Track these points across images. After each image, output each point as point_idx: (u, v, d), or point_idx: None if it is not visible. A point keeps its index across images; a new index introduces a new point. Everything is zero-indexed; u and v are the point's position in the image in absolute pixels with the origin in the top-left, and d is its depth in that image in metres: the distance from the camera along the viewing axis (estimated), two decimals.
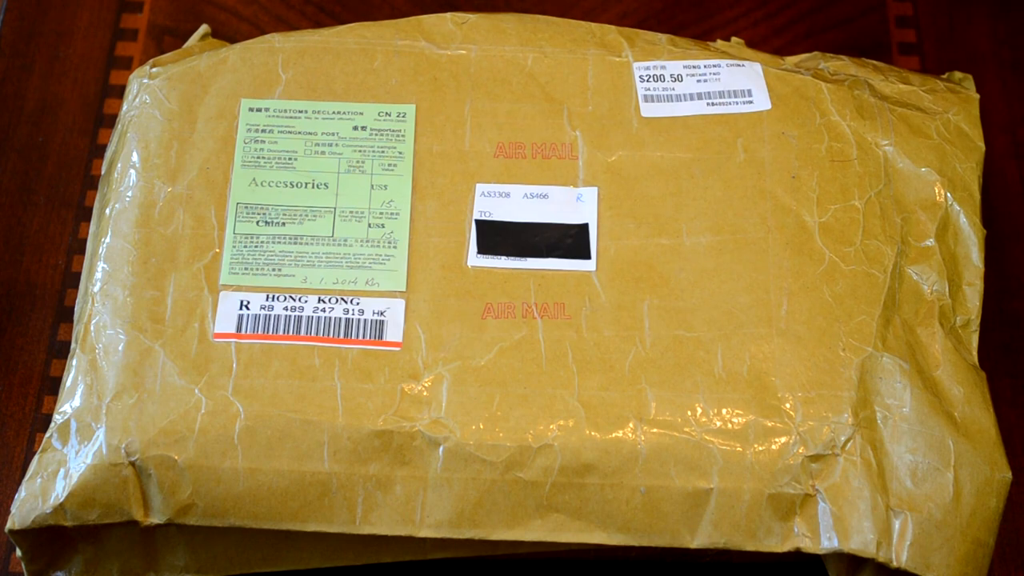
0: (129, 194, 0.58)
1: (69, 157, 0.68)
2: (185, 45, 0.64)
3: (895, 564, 0.50)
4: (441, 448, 0.52)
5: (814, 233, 0.56)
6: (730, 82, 0.60)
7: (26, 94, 0.70)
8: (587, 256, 0.56)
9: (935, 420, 0.52)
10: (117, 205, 0.58)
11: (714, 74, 0.60)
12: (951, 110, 0.59)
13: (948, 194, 0.57)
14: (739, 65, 0.60)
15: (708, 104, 0.59)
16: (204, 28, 0.65)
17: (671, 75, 0.60)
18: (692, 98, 0.59)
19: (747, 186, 0.57)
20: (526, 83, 0.60)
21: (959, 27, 0.72)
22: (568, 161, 0.58)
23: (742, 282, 0.55)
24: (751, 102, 0.59)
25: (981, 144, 0.58)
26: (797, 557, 0.54)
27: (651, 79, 0.60)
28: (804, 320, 0.54)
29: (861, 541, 0.50)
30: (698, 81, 0.60)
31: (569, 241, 0.56)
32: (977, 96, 0.61)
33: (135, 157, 0.59)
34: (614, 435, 0.52)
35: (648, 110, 0.59)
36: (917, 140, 0.58)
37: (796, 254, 0.55)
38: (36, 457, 0.52)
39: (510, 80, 0.60)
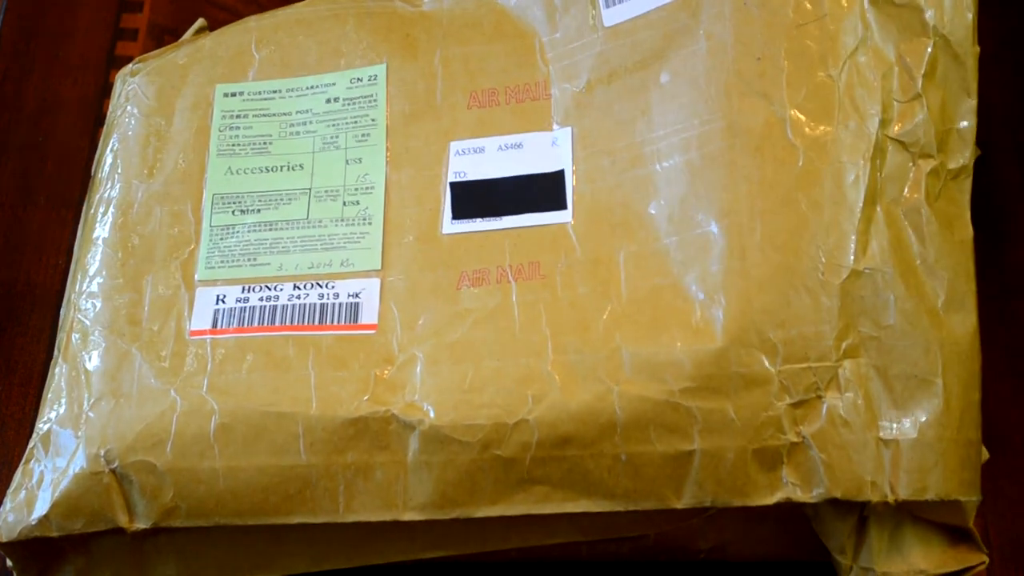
0: (109, 196, 0.58)
1: (69, 157, 0.69)
2: (178, 41, 0.63)
3: (891, 498, 0.47)
4: (416, 431, 0.50)
5: (788, 125, 0.51)
6: None
7: (26, 94, 0.71)
8: (563, 206, 0.54)
9: (920, 325, 0.48)
10: (99, 208, 0.58)
11: None
12: None
13: (936, 18, 0.50)
14: None
15: None
16: (200, 22, 0.64)
17: None
18: None
19: (712, 82, 0.52)
20: (498, 20, 0.58)
21: None
22: (542, 102, 0.56)
23: (714, 208, 0.51)
24: None
25: None
26: (794, 555, 0.52)
27: None
28: (779, 244, 0.50)
29: (854, 484, 0.48)
30: None
31: (545, 192, 0.54)
32: None
33: (115, 158, 0.59)
34: (590, 405, 0.49)
35: (610, 17, 0.55)
36: None
37: (767, 161, 0.51)
38: (20, 468, 0.53)
39: (481, 22, 0.58)
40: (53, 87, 0.71)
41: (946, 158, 0.49)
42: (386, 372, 0.52)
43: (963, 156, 0.50)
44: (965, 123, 0.50)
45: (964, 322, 0.48)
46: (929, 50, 0.50)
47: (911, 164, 0.49)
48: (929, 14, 0.50)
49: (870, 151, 0.50)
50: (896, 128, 0.50)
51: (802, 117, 0.51)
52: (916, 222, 0.49)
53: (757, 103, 0.51)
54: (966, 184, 0.50)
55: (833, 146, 0.50)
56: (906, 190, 0.49)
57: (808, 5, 0.52)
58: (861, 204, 0.49)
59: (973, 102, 0.50)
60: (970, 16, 0.50)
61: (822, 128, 0.50)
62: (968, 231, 0.49)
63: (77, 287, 0.56)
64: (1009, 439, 0.57)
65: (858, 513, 0.49)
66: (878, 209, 0.49)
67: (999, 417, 0.50)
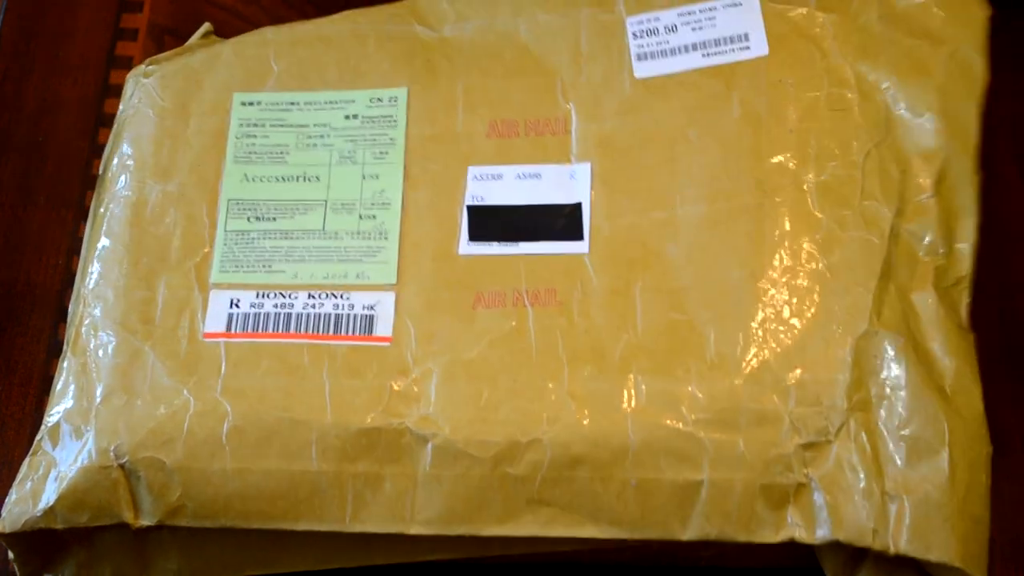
0: (122, 194, 0.58)
1: (69, 157, 0.68)
2: (187, 44, 0.64)
3: (893, 550, 0.48)
4: (429, 445, 0.51)
5: (811, 196, 0.53)
6: (726, 27, 0.57)
7: (26, 94, 0.70)
8: (580, 237, 0.55)
9: (929, 397, 0.50)
10: (110, 205, 0.58)
11: (710, 20, 0.57)
12: (960, 35, 0.55)
13: (948, 142, 0.53)
14: (736, 4, 0.58)
15: (703, 55, 0.57)
16: (206, 26, 0.65)
17: (665, 27, 0.58)
18: (687, 50, 0.57)
19: (742, 146, 0.55)
20: (519, 56, 0.59)
21: None
22: (561, 136, 0.57)
23: (736, 256, 0.53)
24: (748, 48, 0.57)
25: (983, 74, 0.55)
26: (795, 562, 0.52)
27: (644, 34, 0.58)
28: (799, 297, 0.52)
29: (856, 530, 0.49)
30: (693, 30, 0.57)
31: (562, 222, 0.55)
32: (985, 16, 0.56)
33: (128, 157, 0.59)
34: (604, 428, 0.51)
35: (641, 70, 0.57)
36: (920, 81, 0.54)
37: (792, 222, 0.53)
38: (27, 460, 0.52)
39: (503, 54, 0.59)
40: (53, 87, 0.70)
41: (949, 264, 0.52)
42: (401, 385, 0.52)
43: (963, 268, 0.52)
44: (965, 244, 0.52)
45: (971, 406, 0.50)
46: (940, 164, 0.53)
47: (920, 255, 0.52)
48: (942, 140, 0.53)
49: (888, 232, 0.52)
50: (909, 221, 0.52)
51: (826, 194, 0.53)
52: (924, 308, 0.51)
53: (786, 170, 0.54)
54: (966, 295, 0.52)
55: (854, 221, 0.52)
56: (915, 278, 0.52)
57: (839, 93, 0.55)
58: (878, 278, 0.52)
59: (973, 221, 0.52)
60: (976, 142, 0.53)
61: (845, 204, 0.53)
62: (970, 335, 0.52)
63: (88, 282, 0.56)
64: (1009, 439, 0.58)
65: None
66: (892, 286, 0.52)
67: (999, 417, 0.51)
